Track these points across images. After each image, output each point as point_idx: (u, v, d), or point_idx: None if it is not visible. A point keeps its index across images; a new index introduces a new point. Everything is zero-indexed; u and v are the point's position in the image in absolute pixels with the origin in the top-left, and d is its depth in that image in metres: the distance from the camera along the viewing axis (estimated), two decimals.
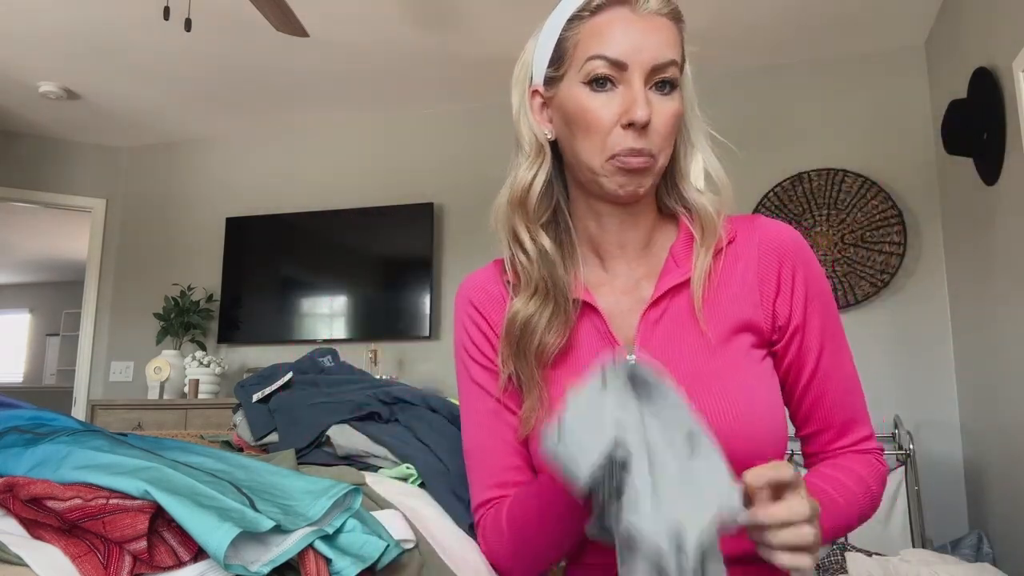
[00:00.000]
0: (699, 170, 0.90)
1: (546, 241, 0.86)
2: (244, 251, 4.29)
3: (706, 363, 0.82)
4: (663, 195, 0.91)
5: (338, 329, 4.09)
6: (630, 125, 0.79)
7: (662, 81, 0.81)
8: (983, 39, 2.54)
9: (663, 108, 0.81)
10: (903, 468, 2.80)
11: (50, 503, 0.56)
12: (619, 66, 0.80)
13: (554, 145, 0.89)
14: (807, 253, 0.88)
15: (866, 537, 2.73)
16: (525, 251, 0.87)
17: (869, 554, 2.29)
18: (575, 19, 0.83)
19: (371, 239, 4.09)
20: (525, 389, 0.86)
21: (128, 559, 0.54)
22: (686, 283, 0.85)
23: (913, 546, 2.70)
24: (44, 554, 0.55)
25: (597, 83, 0.81)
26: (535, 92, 0.89)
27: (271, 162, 4.43)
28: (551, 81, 0.86)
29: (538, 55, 0.88)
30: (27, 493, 0.56)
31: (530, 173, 0.87)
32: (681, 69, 0.84)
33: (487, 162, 4.19)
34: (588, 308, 0.87)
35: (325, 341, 3.97)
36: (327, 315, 4.16)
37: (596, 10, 0.81)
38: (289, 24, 2.59)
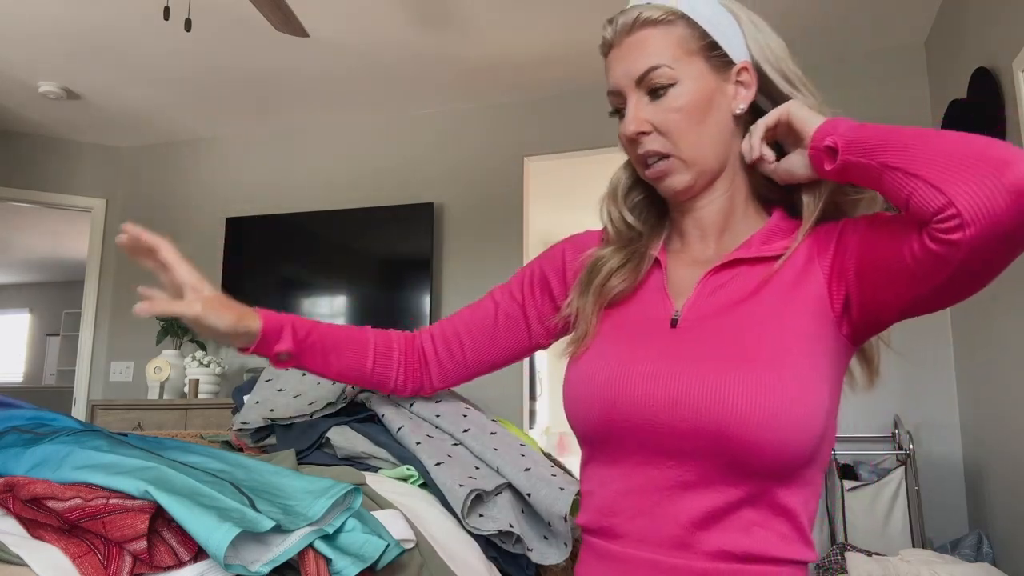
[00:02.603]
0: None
1: (628, 216, 0.98)
2: (244, 251, 4.29)
3: (751, 338, 0.81)
4: (762, 187, 0.95)
5: None
6: (630, 141, 0.90)
7: (650, 89, 0.88)
8: (983, 39, 2.54)
9: (660, 109, 0.88)
10: (903, 468, 2.81)
11: (50, 503, 0.55)
12: (617, 95, 0.91)
13: None
14: (864, 217, 0.86)
15: (866, 537, 2.73)
16: (612, 221, 0.99)
17: (869, 554, 2.29)
18: None
19: (371, 239, 4.09)
20: (580, 321, 0.95)
21: (128, 559, 0.54)
22: (754, 260, 0.88)
23: (913, 546, 2.70)
24: (44, 554, 0.55)
25: (616, 113, 0.93)
26: None
27: (271, 162, 4.43)
28: None
29: None
30: (28, 493, 0.56)
31: (621, 172, 1.01)
32: (705, 50, 0.89)
33: (487, 162, 4.20)
34: (658, 266, 0.95)
35: None
36: (327, 315, 4.16)
37: (605, 58, 0.94)
38: (289, 24, 2.59)
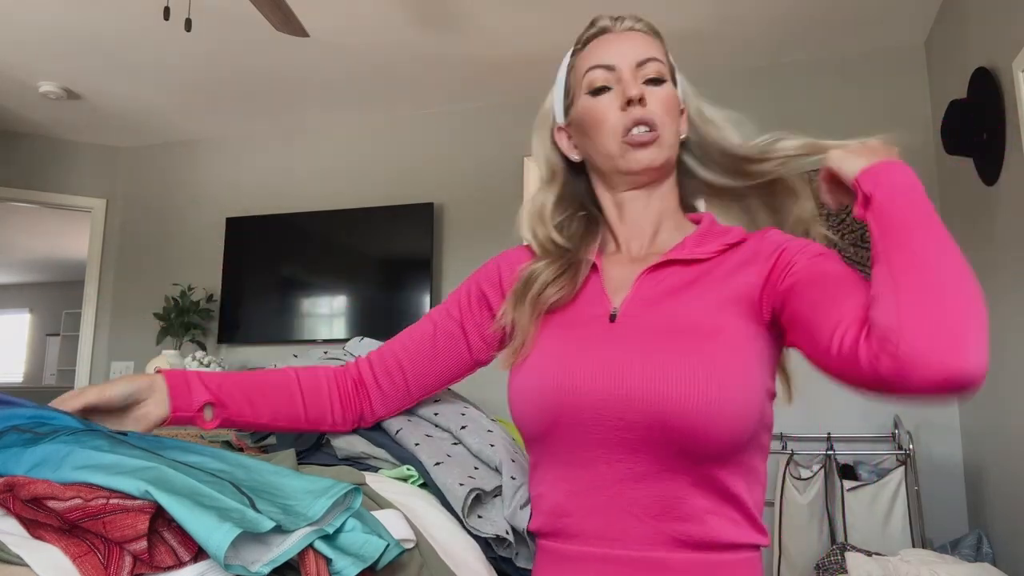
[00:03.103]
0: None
1: (556, 236, 1.00)
2: (244, 251, 4.29)
3: (687, 330, 0.85)
4: (685, 192, 1.04)
5: (338, 329, 4.09)
6: (628, 103, 0.93)
7: (650, 78, 0.95)
8: (983, 39, 2.55)
9: (656, 92, 0.94)
10: (903, 468, 2.80)
11: (51, 503, 0.56)
12: (610, 69, 0.95)
13: (582, 165, 1.04)
14: (814, 247, 0.90)
15: (866, 537, 2.73)
16: (540, 242, 1.02)
17: (869, 554, 2.29)
18: (573, 55, 1.01)
19: (371, 239, 4.09)
20: (517, 332, 0.96)
21: (128, 559, 0.54)
22: (690, 261, 0.92)
23: (913, 546, 2.70)
24: (44, 554, 0.55)
25: (598, 90, 0.96)
26: (560, 129, 1.05)
27: (271, 162, 4.43)
28: (567, 110, 1.02)
29: (556, 97, 1.04)
30: (28, 493, 0.56)
31: (543, 195, 1.05)
32: (672, 73, 0.99)
33: (487, 162, 4.20)
34: (595, 271, 0.98)
35: (325, 341, 3.97)
36: (327, 315, 4.16)
37: (587, 42, 0.99)
38: (289, 24, 2.59)
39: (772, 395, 0.89)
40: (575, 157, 1.04)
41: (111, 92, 3.92)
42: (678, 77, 1.01)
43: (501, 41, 3.39)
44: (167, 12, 2.32)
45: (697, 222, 1.01)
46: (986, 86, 2.41)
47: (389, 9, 3.12)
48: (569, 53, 1.02)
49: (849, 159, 0.83)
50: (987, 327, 0.68)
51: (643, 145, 0.93)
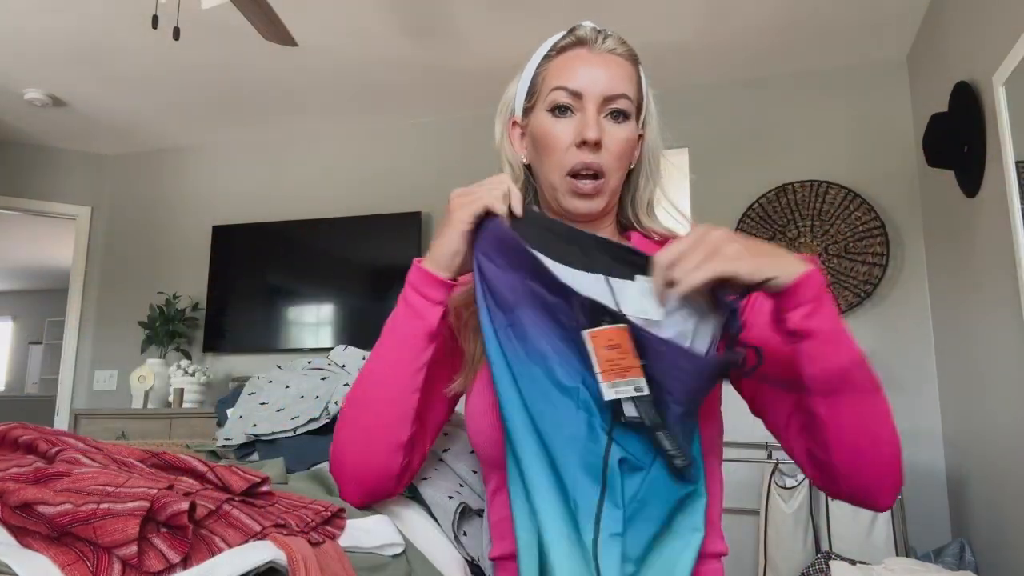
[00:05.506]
0: (657, 199, 1.02)
1: None
2: (230, 259, 4.27)
3: None
4: (621, 214, 1.02)
5: (324, 338, 4.08)
6: (583, 143, 0.90)
7: (615, 111, 0.92)
8: (964, 54, 2.59)
9: (614, 133, 0.92)
10: None
11: (40, 508, 0.56)
12: (576, 95, 0.91)
13: (531, 168, 1.00)
14: None
15: (850, 546, 2.75)
16: None
17: (853, 563, 2.31)
18: (545, 58, 0.96)
19: (358, 248, 4.09)
20: (467, 357, 0.95)
21: (118, 566, 0.54)
22: None
23: (896, 555, 2.72)
24: (34, 563, 0.55)
25: (558, 110, 0.93)
26: (515, 123, 1.01)
27: (258, 170, 4.43)
28: (526, 112, 0.98)
29: (519, 91, 1.00)
30: (17, 499, 0.56)
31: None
32: (639, 104, 0.95)
33: (474, 171, 4.18)
34: None
35: (311, 350, 3.96)
36: (313, 324, 4.15)
37: (561, 50, 0.94)
38: (277, 33, 2.59)
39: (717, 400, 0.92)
40: (523, 158, 1.00)
41: (97, 99, 3.90)
42: (647, 101, 0.97)
43: (488, 52, 3.41)
44: (155, 21, 2.32)
45: (624, 233, 1.02)
46: (967, 100, 2.45)
47: (377, 19, 3.13)
48: (544, 50, 0.96)
49: (774, 266, 0.72)
50: (899, 459, 0.77)
51: (585, 196, 0.92)
